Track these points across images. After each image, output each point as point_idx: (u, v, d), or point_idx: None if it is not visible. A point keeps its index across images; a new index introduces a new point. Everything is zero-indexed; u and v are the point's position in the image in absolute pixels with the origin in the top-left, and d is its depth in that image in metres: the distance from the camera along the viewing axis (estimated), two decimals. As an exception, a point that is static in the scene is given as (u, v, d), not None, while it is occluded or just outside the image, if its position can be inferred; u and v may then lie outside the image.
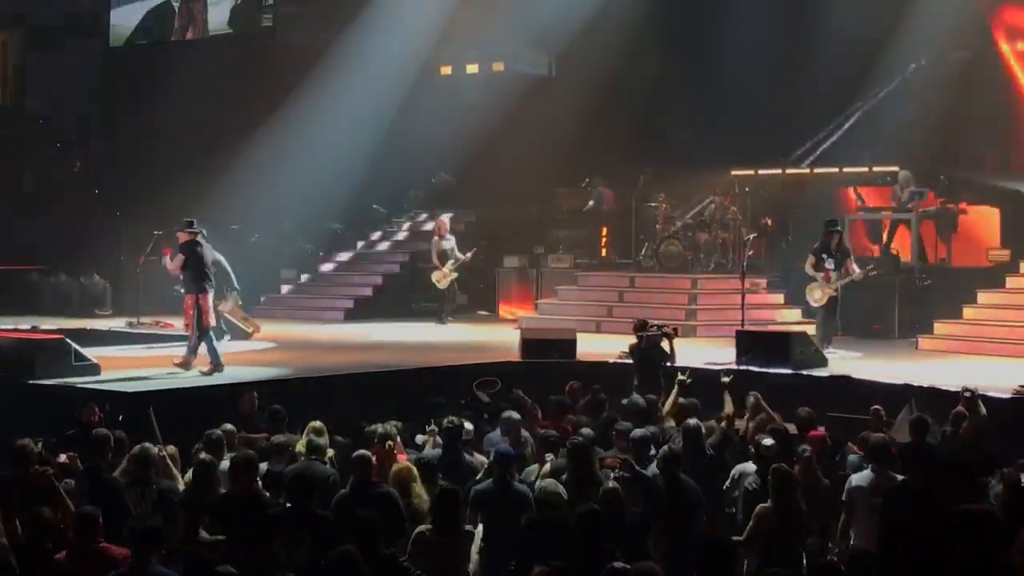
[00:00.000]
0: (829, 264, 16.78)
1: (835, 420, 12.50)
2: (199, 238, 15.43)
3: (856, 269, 16.92)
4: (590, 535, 7.64)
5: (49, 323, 19.52)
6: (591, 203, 22.68)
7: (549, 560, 7.01)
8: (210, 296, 15.36)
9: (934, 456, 10.26)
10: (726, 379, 11.66)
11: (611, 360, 15.71)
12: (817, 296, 16.90)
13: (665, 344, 13.99)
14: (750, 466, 9.87)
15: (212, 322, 15.35)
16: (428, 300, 22.66)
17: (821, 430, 11.15)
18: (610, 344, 16.76)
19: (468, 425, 10.78)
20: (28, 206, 24.55)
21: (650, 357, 13.86)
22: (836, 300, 16.93)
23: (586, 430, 10.68)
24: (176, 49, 25.53)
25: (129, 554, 7.58)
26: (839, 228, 17.29)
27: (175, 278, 16.16)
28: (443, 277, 20.87)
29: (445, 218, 21.53)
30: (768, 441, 9.78)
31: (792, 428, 10.91)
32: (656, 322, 14.57)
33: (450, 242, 21.08)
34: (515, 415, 11.21)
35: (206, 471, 9.30)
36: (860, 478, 9.46)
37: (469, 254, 21.01)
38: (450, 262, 20.84)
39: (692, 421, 10.69)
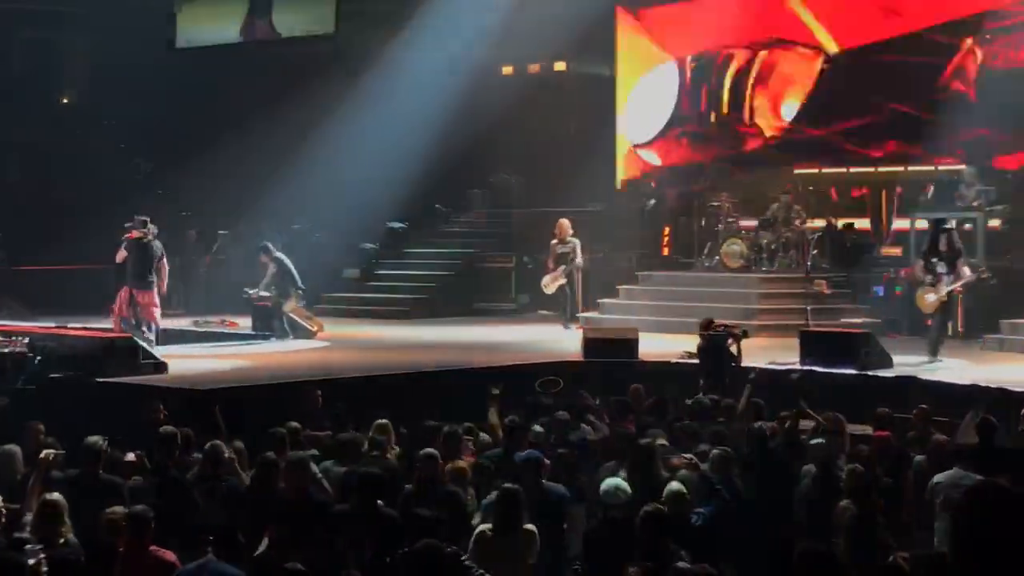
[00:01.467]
0: (941, 268, 15.62)
1: (901, 421, 12.39)
2: (149, 236, 16.61)
3: (967, 272, 15.72)
4: (654, 536, 7.62)
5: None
6: (653, 202, 22.61)
7: (614, 560, 7.02)
8: (152, 294, 16.63)
9: (1004, 457, 10.14)
10: (795, 376, 11.58)
11: (674, 360, 15.66)
12: (930, 301, 15.81)
13: (732, 344, 13.93)
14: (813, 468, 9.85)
15: (154, 317, 16.44)
16: (488, 300, 22.75)
17: (887, 431, 11.07)
18: (672, 344, 16.72)
19: (538, 428, 10.81)
20: (95, 206, 24.80)
21: (716, 357, 13.81)
22: (950, 305, 15.93)
23: (655, 431, 10.67)
24: (239, 51, 25.75)
25: (176, 559, 7.64)
26: (949, 227, 16.19)
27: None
28: (551, 282, 20.14)
29: (566, 221, 20.43)
30: (816, 441, 9.73)
31: (867, 429, 10.85)
32: (723, 322, 14.52)
33: (567, 246, 20.09)
34: (564, 415, 11.20)
35: (268, 469, 9.37)
36: (945, 476, 9.38)
37: (580, 260, 20.01)
38: (562, 267, 19.97)
39: (757, 424, 10.65)
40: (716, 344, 13.94)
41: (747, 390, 12.24)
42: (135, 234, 16.74)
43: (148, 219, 16.97)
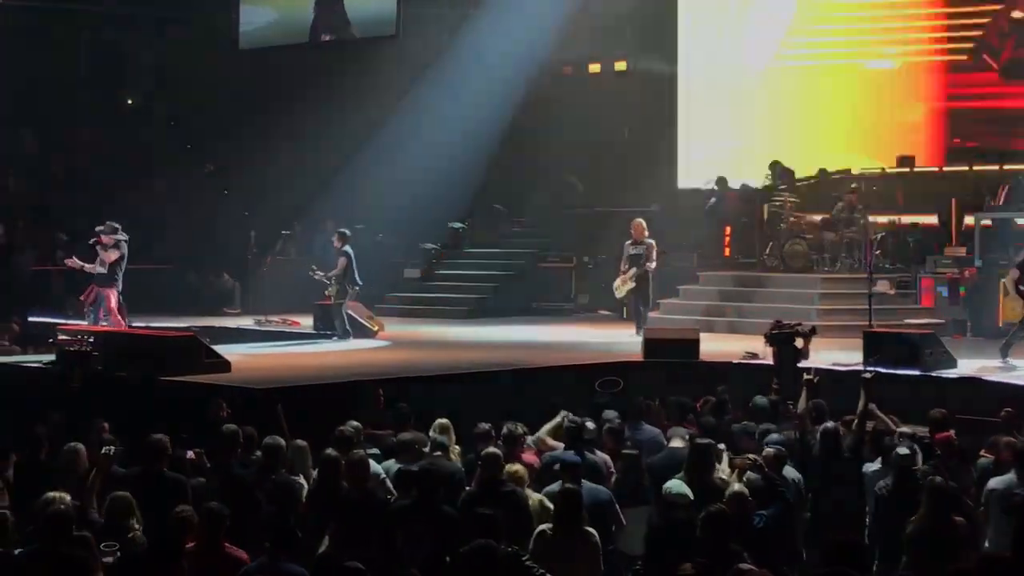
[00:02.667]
0: None
1: (965, 423, 12.25)
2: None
3: None
4: (717, 536, 7.58)
5: (180, 321, 19.94)
6: (713, 201, 22.50)
7: (676, 560, 6.99)
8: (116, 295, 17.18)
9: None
10: (867, 375, 11.47)
11: (735, 361, 15.58)
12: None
13: (800, 343, 13.88)
14: (873, 465, 9.78)
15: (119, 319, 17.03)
16: (548, 300, 22.76)
17: (950, 432, 10.94)
18: (732, 344, 16.64)
19: (590, 424, 10.80)
20: (159, 206, 25.07)
21: (783, 356, 13.77)
22: None
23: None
24: (302, 51, 25.91)
25: (247, 557, 7.69)
26: None
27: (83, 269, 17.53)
28: (622, 285, 19.25)
29: (641, 221, 19.41)
30: (903, 450, 9.60)
31: (924, 431, 10.73)
32: (790, 322, 14.47)
33: (640, 248, 19.13)
34: (614, 416, 11.15)
35: (331, 468, 9.40)
36: (999, 482, 9.27)
37: (653, 263, 19.09)
38: (632, 270, 19.08)
39: (830, 424, 10.57)
40: (783, 343, 13.87)
41: (804, 392, 12.12)
42: (111, 240, 17.24)
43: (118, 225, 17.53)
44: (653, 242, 19.14)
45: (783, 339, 14.00)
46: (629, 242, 19.19)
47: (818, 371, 12.74)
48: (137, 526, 8.16)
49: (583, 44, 24.52)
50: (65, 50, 27.62)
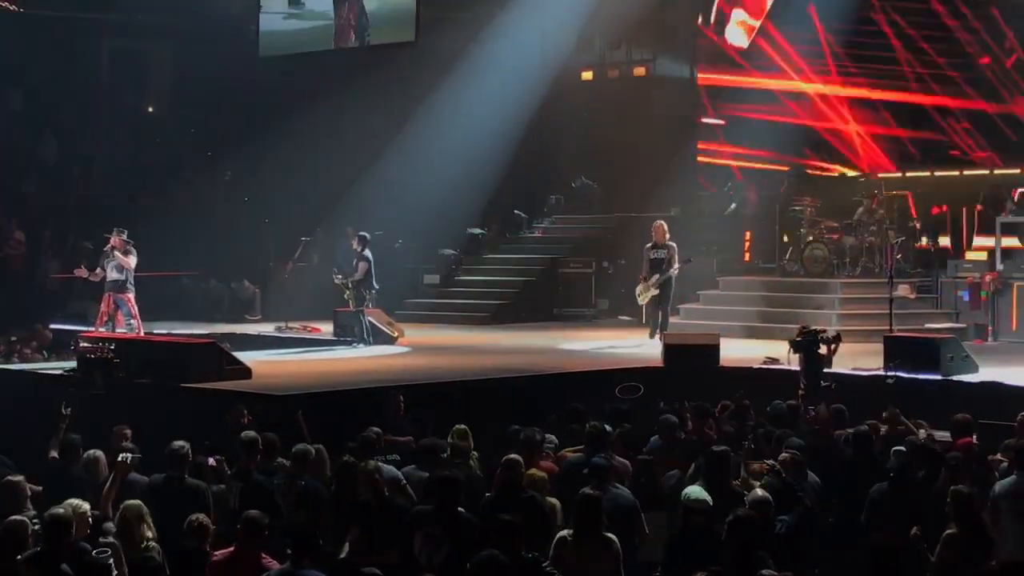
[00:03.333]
0: None
1: (985, 427, 12.21)
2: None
3: None
4: (742, 542, 7.57)
5: (200, 328, 19.99)
6: (733, 206, 22.46)
7: (696, 567, 6.98)
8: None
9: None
10: (890, 381, 11.45)
11: (756, 366, 15.55)
12: None
13: (825, 349, 13.89)
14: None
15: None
16: (568, 305, 22.75)
17: (970, 438, 10.91)
18: (753, 349, 16.61)
19: (610, 429, 10.79)
20: (180, 214, 25.16)
21: (808, 362, 13.80)
22: None
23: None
24: (321, 58, 25.98)
25: (280, 565, 7.69)
26: None
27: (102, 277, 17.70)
28: (644, 291, 18.49)
29: (662, 224, 18.67)
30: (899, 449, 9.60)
31: (946, 434, 10.70)
32: (816, 327, 14.48)
33: (662, 252, 18.32)
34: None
35: (348, 473, 9.42)
36: (1006, 484, 9.24)
37: (676, 268, 18.32)
38: (655, 276, 18.29)
39: (863, 427, 10.55)
40: (808, 349, 13.86)
41: (823, 403, 12.09)
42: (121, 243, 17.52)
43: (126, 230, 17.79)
44: (675, 244, 18.53)
45: (808, 345, 13.97)
46: (649, 245, 18.53)
47: (836, 376, 12.73)
48: (150, 534, 8.17)
49: (602, 50, 24.53)
50: (86, 59, 27.77)
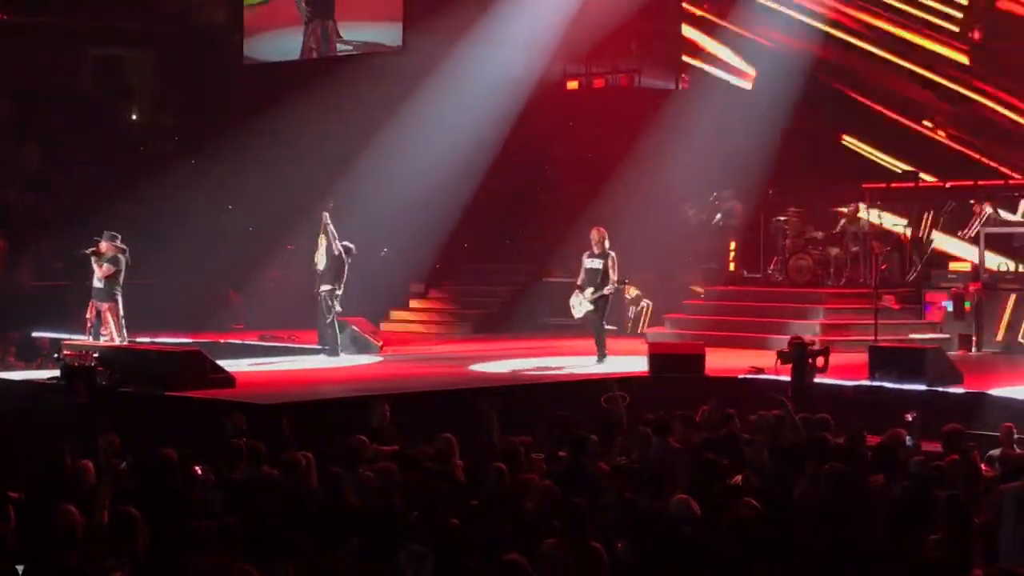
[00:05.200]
0: None
1: (971, 438, 12.22)
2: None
3: None
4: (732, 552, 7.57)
5: (185, 337, 19.93)
6: (719, 216, 22.51)
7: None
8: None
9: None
10: (911, 419, 11.49)
11: (741, 376, 15.58)
12: None
13: (817, 359, 13.95)
14: None
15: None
16: (553, 314, 22.71)
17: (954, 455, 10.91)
18: (737, 359, 16.63)
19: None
20: (163, 221, 25.09)
21: (798, 372, 13.86)
22: None
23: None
24: (306, 65, 25.96)
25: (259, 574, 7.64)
26: None
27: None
28: (577, 304, 17.12)
29: (599, 231, 17.21)
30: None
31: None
32: (808, 338, 14.54)
33: (598, 261, 16.98)
34: None
35: (334, 482, 9.39)
36: (1013, 488, 9.22)
37: (613, 280, 16.95)
38: (588, 290, 17.02)
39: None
40: (797, 360, 13.90)
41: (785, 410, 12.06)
42: (112, 248, 17.16)
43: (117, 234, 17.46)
44: (614, 253, 17.00)
45: (797, 356, 14.00)
46: (586, 254, 17.17)
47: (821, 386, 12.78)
48: (140, 541, 8.13)
49: (587, 60, 24.54)
50: (69, 65, 27.69)
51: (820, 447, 10.15)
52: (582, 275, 17.05)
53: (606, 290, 16.93)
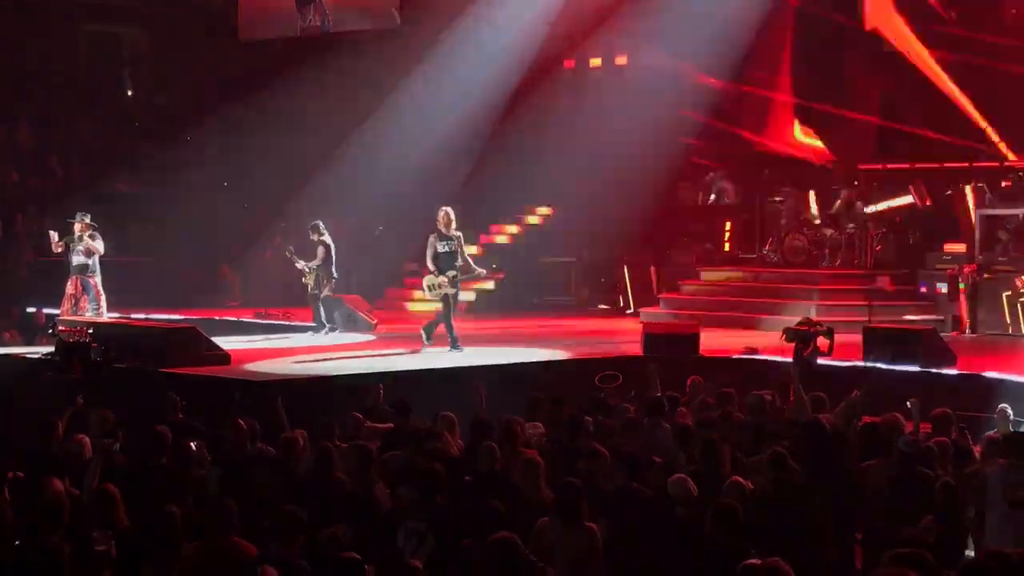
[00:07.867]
0: None
1: (965, 419, 12.23)
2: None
3: None
4: (727, 532, 7.56)
5: (179, 314, 19.91)
6: (712, 197, 22.51)
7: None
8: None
9: None
10: (910, 404, 11.48)
11: (735, 356, 15.59)
12: None
13: (818, 341, 13.98)
14: None
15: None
16: (549, 294, 22.78)
17: (945, 437, 10.90)
18: (733, 339, 16.65)
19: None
20: (157, 198, 25.03)
21: (798, 353, 13.90)
22: None
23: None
24: (303, 40, 25.86)
25: (255, 551, 7.66)
26: None
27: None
28: (435, 286, 16.13)
29: (448, 209, 16.15)
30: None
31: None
32: (811, 319, 14.55)
33: (448, 244, 16.04)
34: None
35: (326, 459, 9.39)
36: (994, 470, 9.24)
37: (479, 271, 16.81)
38: (451, 272, 16.02)
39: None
40: (801, 340, 13.92)
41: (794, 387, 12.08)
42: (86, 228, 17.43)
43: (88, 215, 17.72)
44: (460, 234, 16.23)
45: (801, 336, 14.00)
46: (434, 235, 16.15)
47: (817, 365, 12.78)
48: (121, 520, 8.12)
49: (584, 38, 24.47)
50: (63, 42, 27.57)
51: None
52: (433, 257, 16.06)
53: (479, 272, 16.74)
